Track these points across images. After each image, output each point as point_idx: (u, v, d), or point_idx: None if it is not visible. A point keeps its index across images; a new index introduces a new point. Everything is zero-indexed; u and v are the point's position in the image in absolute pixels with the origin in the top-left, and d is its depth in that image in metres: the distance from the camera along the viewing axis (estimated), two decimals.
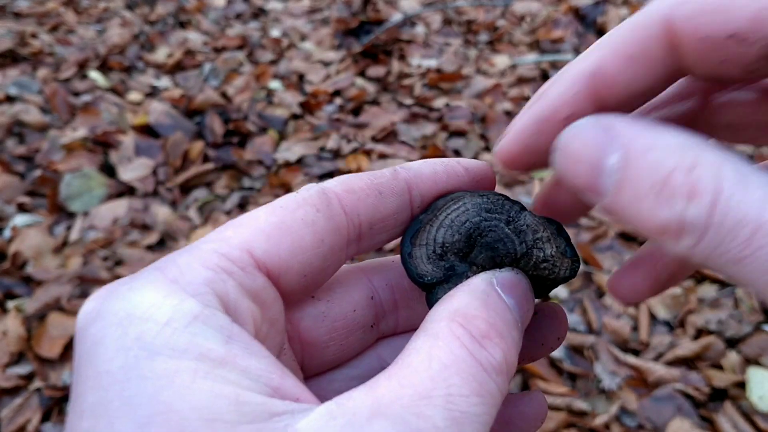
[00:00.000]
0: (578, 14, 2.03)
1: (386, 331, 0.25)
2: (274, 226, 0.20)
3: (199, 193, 1.30)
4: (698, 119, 0.22)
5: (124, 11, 2.06)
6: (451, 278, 0.22)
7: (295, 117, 1.53)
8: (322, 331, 0.23)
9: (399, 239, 0.23)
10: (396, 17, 1.99)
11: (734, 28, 0.16)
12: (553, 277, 0.22)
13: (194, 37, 1.92)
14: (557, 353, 0.97)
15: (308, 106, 1.57)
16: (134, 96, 1.62)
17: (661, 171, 0.16)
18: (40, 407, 0.94)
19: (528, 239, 0.21)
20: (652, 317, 1.01)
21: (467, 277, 0.21)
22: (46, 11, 2.01)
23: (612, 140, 0.17)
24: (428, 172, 0.23)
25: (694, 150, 0.16)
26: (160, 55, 1.82)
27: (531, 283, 0.21)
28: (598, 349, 0.97)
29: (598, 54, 0.18)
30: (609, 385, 0.92)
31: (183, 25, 2.01)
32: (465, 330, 0.18)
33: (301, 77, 1.75)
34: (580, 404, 0.90)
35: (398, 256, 0.24)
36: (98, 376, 0.16)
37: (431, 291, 0.22)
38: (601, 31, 1.97)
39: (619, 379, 0.93)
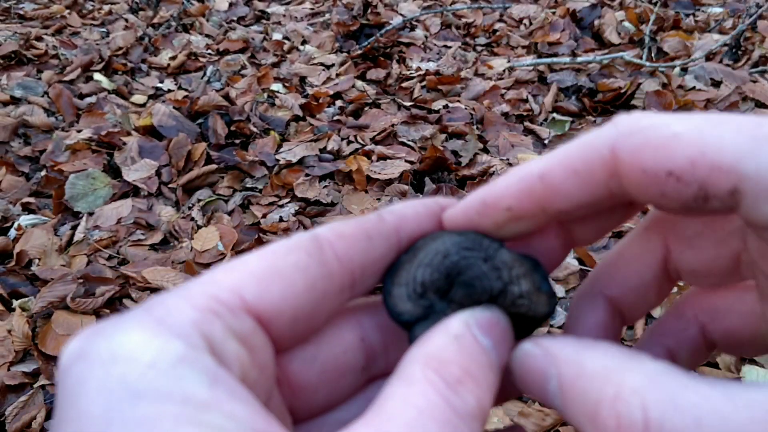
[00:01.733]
0: (575, 17, 2.05)
1: (377, 373, 0.25)
2: (265, 271, 0.20)
3: (202, 194, 1.32)
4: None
5: (128, 14, 2.08)
6: (429, 316, 0.22)
7: (296, 119, 1.55)
8: (311, 375, 0.23)
9: None
10: (396, 20, 2.01)
11: (673, 167, 0.17)
12: (531, 314, 0.22)
13: (197, 40, 1.94)
14: None
15: (309, 108, 1.58)
16: (138, 98, 1.63)
17: (588, 403, 0.17)
18: (44, 405, 0.96)
19: (504, 276, 0.21)
20: (648, 315, 1.03)
21: (446, 315, 0.21)
22: (51, 14, 2.04)
23: (549, 365, 0.19)
24: (411, 213, 0.24)
25: (618, 376, 0.17)
26: (164, 57, 1.84)
27: (511, 323, 0.22)
28: None
29: (548, 161, 0.20)
30: None
31: (186, 28, 2.03)
32: (439, 375, 0.19)
33: (302, 79, 1.77)
34: None
35: None
36: (79, 418, 0.16)
37: (410, 329, 0.22)
38: (597, 34, 1.99)
39: None
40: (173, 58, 1.82)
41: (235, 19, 2.11)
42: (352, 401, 0.25)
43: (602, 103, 1.57)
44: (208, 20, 2.06)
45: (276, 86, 1.70)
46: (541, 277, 0.22)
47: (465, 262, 0.22)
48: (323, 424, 0.24)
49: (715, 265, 0.22)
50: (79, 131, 1.46)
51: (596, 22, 2.03)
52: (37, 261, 1.14)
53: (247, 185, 1.34)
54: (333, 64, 1.83)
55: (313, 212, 1.25)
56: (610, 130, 0.18)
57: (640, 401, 0.16)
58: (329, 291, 0.21)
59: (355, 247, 0.22)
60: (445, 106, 1.58)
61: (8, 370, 0.99)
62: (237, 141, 1.45)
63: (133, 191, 1.31)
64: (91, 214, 1.25)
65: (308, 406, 0.24)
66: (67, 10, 2.06)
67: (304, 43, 1.98)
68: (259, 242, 1.18)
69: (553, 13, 2.11)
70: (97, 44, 1.87)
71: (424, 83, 1.70)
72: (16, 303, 1.06)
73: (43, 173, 1.34)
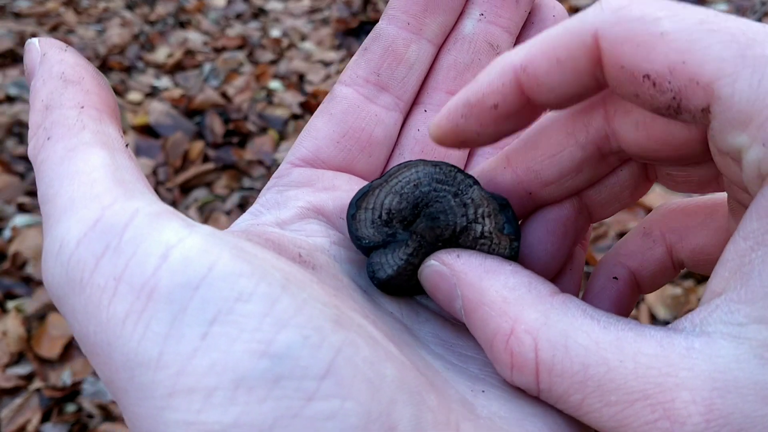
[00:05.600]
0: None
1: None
2: None
3: (199, 193, 1.30)
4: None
5: (124, 11, 2.06)
6: (389, 244, 0.22)
7: (295, 117, 1.53)
8: None
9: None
10: None
11: (650, 70, 0.15)
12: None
13: (194, 37, 1.92)
14: None
15: (308, 106, 1.57)
16: (134, 96, 1.62)
17: (487, 333, 0.17)
18: (40, 407, 0.95)
19: (470, 213, 0.21)
20: (652, 317, 1.02)
21: (407, 245, 0.21)
22: (46, 11, 2.02)
23: (455, 286, 0.19)
24: None
25: (515, 310, 0.17)
26: (160, 55, 1.82)
27: None
28: None
29: (529, 51, 0.18)
30: None
31: (183, 25, 2.01)
32: None
33: (301, 77, 1.76)
34: None
35: None
36: None
37: (368, 255, 0.22)
38: None
39: None
40: (170, 55, 1.81)
41: (232, 16, 2.09)
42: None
43: None
44: (206, 17, 2.05)
45: (274, 84, 1.68)
46: (506, 218, 0.21)
47: (435, 194, 0.21)
48: None
49: (696, 170, 0.20)
50: None
51: None
52: (32, 262, 1.13)
53: (245, 185, 1.33)
54: (332, 62, 1.82)
55: None
56: (595, 14, 0.16)
57: (533, 341, 0.16)
58: None
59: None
60: None
61: (3, 372, 0.97)
62: (235, 140, 1.44)
63: None
64: None
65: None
66: (63, 8, 2.04)
67: (303, 40, 1.96)
68: None
69: None
70: (93, 42, 1.85)
71: None
72: (10, 304, 1.05)
73: None
